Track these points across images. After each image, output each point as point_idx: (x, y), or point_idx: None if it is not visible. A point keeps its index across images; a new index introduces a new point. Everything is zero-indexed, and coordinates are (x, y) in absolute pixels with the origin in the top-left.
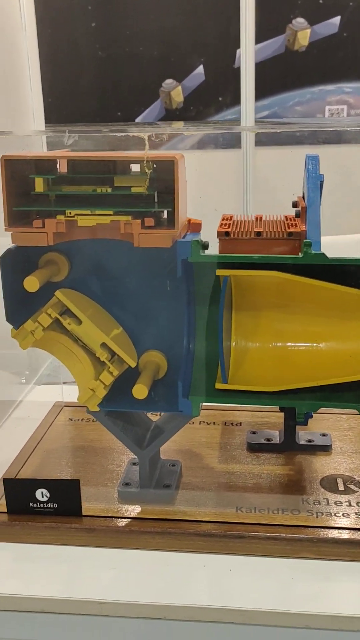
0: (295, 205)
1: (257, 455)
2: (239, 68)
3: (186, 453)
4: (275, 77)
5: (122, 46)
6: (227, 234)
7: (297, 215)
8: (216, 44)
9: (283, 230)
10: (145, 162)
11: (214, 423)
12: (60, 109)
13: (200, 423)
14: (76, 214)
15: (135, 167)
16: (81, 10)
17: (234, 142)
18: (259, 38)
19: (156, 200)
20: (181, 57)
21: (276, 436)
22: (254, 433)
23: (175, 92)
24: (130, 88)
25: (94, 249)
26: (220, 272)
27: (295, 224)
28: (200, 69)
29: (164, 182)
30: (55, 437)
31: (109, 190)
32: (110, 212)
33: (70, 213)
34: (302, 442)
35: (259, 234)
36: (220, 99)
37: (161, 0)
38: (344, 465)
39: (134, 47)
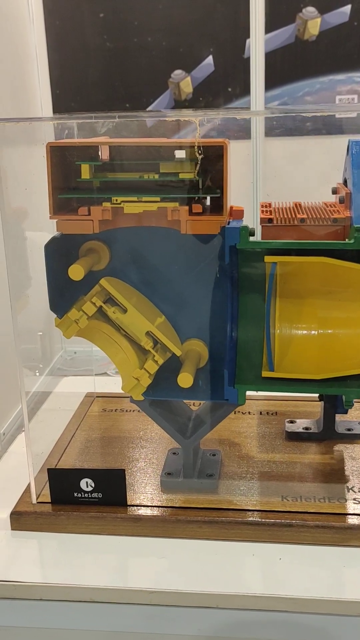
0: (335, 191)
1: (297, 444)
2: (248, 58)
3: (225, 443)
4: (285, 67)
5: (130, 37)
6: (270, 220)
7: (341, 201)
8: (225, 34)
9: (327, 216)
10: (195, 147)
11: (249, 413)
12: (68, 100)
13: (235, 413)
14: (122, 201)
15: (179, 154)
16: (89, 1)
17: (243, 133)
18: (269, 28)
19: (201, 186)
20: (190, 48)
21: (314, 425)
22: (292, 422)
23: (185, 82)
24: (138, 79)
25: (138, 237)
26: (269, 259)
27: (338, 211)
28: (210, 59)
29: (213, 167)
30: (90, 428)
31: (156, 176)
32: (158, 198)
33: (116, 200)
34: (341, 431)
35: (302, 220)
36: (229, 89)
37: None
38: None
39: (143, 38)
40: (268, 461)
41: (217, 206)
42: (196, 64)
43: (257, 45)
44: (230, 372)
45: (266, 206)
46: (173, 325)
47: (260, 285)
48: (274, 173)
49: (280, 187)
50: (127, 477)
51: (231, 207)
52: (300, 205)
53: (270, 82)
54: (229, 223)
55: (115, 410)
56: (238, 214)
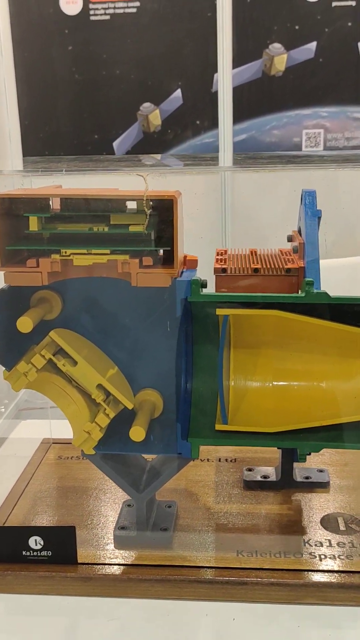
0: (290, 239)
1: (255, 493)
2: (216, 92)
3: (181, 493)
4: (253, 101)
5: (99, 70)
6: (224, 270)
7: (295, 250)
8: (194, 68)
9: (281, 266)
10: (144, 201)
11: (207, 460)
12: (37, 131)
13: (193, 460)
14: (72, 253)
15: (131, 205)
16: (58, 34)
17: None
18: (236, 63)
19: (154, 238)
20: (159, 81)
21: (273, 473)
22: (250, 470)
23: (153, 115)
24: (107, 111)
25: (89, 287)
26: (220, 312)
27: (293, 260)
28: (178, 92)
29: (162, 220)
30: (45, 477)
31: (106, 229)
32: (107, 251)
33: (65, 252)
34: (299, 479)
35: (256, 270)
36: (198, 122)
37: (138, 24)
38: (343, 504)
39: (111, 71)
40: (225, 512)
41: (169, 258)
42: (165, 97)
43: (225, 79)
44: (184, 425)
45: (221, 254)
46: (127, 375)
47: (214, 337)
48: (244, 204)
49: (249, 218)
50: (79, 533)
51: (185, 257)
52: (255, 253)
53: (238, 116)
54: (182, 273)
55: (71, 457)
56: (192, 263)
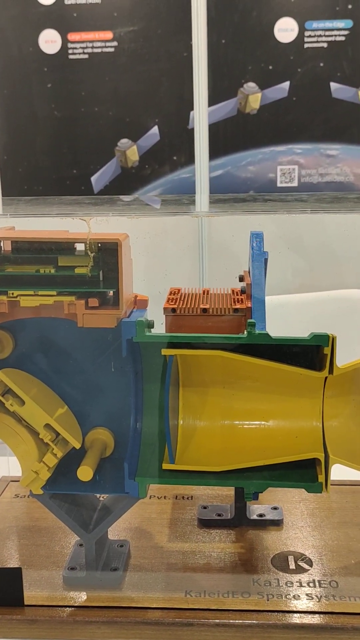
0: (241, 279)
1: (208, 531)
2: (192, 129)
3: (135, 531)
4: (228, 137)
5: (77, 107)
6: (173, 310)
7: (243, 291)
8: (170, 105)
9: (229, 306)
10: (88, 245)
11: (164, 497)
12: (16, 165)
13: (150, 497)
14: (19, 295)
15: (80, 246)
16: (37, 72)
17: (188, 201)
18: (212, 101)
19: (101, 279)
20: (136, 118)
21: (227, 510)
22: (205, 508)
23: (131, 151)
24: (85, 146)
25: (38, 327)
26: (166, 352)
27: (242, 299)
28: (155, 129)
29: (107, 263)
30: (0, 516)
31: (52, 271)
32: (54, 292)
33: (12, 293)
34: (253, 517)
35: (205, 310)
36: (175, 158)
37: (116, 63)
38: (295, 541)
39: (90, 108)
40: (177, 551)
41: (115, 300)
42: (142, 133)
43: (201, 117)
44: (133, 464)
45: (174, 293)
46: (79, 414)
47: (162, 377)
48: (219, 243)
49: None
50: (30, 573)
51: (136, 296)
52: (207, 292)
53: (214, 152)
54: (131, 313)
55: (28, 495)
56: (142, 303)
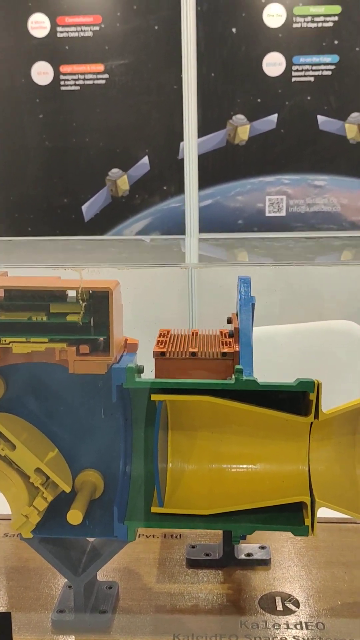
0: (229, 321)
1: (197, 572)
2: (182, 159)
3: (124, 571)
4: (217, 168)
5: (69, 137)
6: (162, 354)
7: (231, 335)
8: (160, 136)
9: (217, 350)
10: (79, 294)
11: (153, 536)
12: (7, 193)
13: (139, 536)
14: (11, 342)
15: (72, 292)
16: (28, 103)
17: (178, 229)
18: (201, 132)
19: (91, 325)
20: (127, 149)
21: (216, 550)
22: (193, 547)
23: (121, 180)
24: (76, 176)
25: (30, 371)
26: (155, 397)
27: (230, 343)
28: (145, 159)
29: (99, 310)
30: None
31: (45, 318)
32: (46, 339)
33: (5, 340)
34: (241, 557)
35: (193, 354)
36: (165, 187)
37: (107, 95)
38: (282, 582)
39: (81, 138)
40: (165, 593)
41: (106, 345)
42: (132, 163)
43: (191, 148)
44: (122, 507)
45: (163, 335)
46: (69, 456)
47: (152, 420)
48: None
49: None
50: (18, 616)
51: (126, 340)
52: (197, 334)
53: (204, 182)
54: (121, 357)
55: (18, 535)
56: (132, 347)
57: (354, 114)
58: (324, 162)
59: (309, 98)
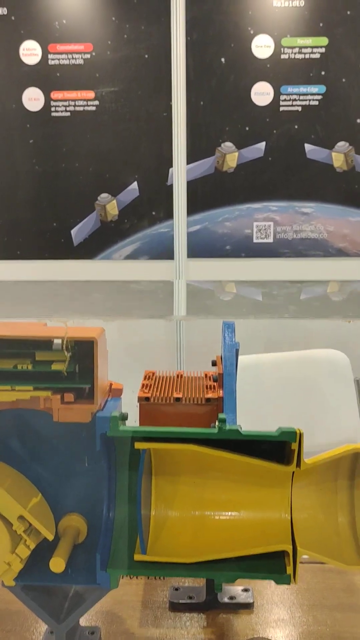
0: (214, 364)
1: (180, 615)
2: (171, 185)
3: (107, 615)
4: (206, 194)
5: (59, 162)
6: (147, 399)
7: (215, 380)
8: (150, 162)
9: (201, 396)
10: (64, 345)
11: (137, 577)
12: None
13: (122, 577)
14: None
15: (55, 343)
16: (19, 128)
17: (166, 254)
18: (190, 159)
19: (77, 372)
20: (116, 174)
21: (199, 592)
22: (176, 590)
23: (111, 205)
24: (66, 200)
25: (15, 417)
26: (139, 446)
27: (214, 387)
28: (135, 185)
29: (84, 359)
30: None
31: (30, 367)
32: (30, 388)
33: None
34: (224, 600)
35: (178, 399)
36: (153, 213)
37: (98, 121)
38: (264, 626)
39: (71, 164)
40: (147, 637)
41: (90, 393)
42: (122, 188)
43: (180, 174)
44: (105, 554)
45: (149, 377)
46: (52, 500)
47: (136, 467)
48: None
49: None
50: None
51: (111, 384)
52: (181, 376)
53: (192, 208)
54: (106, 403)
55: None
56: (117, 392)
57: (341, 143)
58: (311, 189)
59: (296, 127)
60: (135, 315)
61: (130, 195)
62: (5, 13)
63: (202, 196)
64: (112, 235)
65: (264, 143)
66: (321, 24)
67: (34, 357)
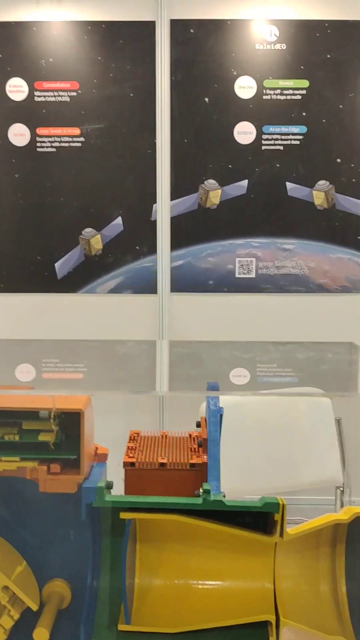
0: (198, 425)
1: None
2: (155, 221)
3: None
4: (189, 230)
5: (43, 196)
6: (132, 464)
7: (200, 445)
8: (134, 198)
9: (186, 461)
10: (52, 417)
11: None
12: None
13: None
14: None
15: (42, 414)
16: (5, 162)
17: (150, 288)
18: (174, 195)
19: (63, 443)
20: (101, 209)
21: None
22: None
23: (95, 239)
24: (50, 234)
25: (2, 486)
26: (124, 516)
27: (198, 452)
28: (119, 220)
29: (70, 430)
30: None
31: (17, 437)
32: (17, 458)
33: None
34: None
35: (163, 465)
36: (137, 247)
37: (83, 157)
38: None
39: (55, 198)
40: None
41: (76, 463)
42: (106, 223)
43: (163, 210)
44: (87, 624)
45: (133, 438)
46: (36, 565)
47: (119, 534)
48: (180, 325)
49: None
50: None
51: (96, 448)
52: (166, 436)
53: (176, 243)
54: (91, 470)
55: None
56: (102, 457)
57: (321, 182)
58: (292, 226)
59: (278, 165)
60: (120, 389)
61: (115, 230)
62: None
63: (186, 232)
64: (96, 269)
65: (246, 181)
66: (302, 67)
67: (21, 425)
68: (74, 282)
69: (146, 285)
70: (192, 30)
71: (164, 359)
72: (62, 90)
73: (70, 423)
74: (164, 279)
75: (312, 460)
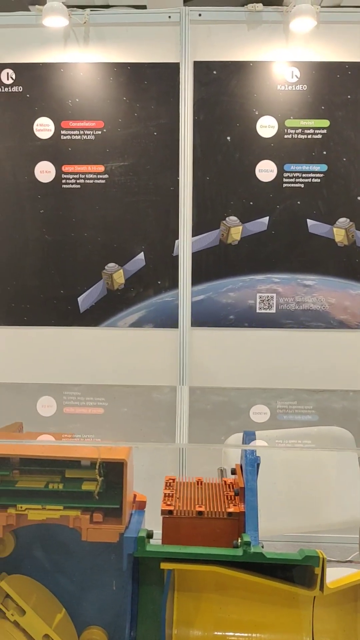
0: (233, 472)
1: None
2: (177, 256)
3: None
4: (210, 265)
5: (67, 232)
6: (170, 512)
7: (237, 493)
8: (156, 234)
9: (223, 510)
10: (98, 468)
11: None
12: (5, 284)
13: None
14: (27, 508)
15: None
16: (31, 199)
17: (171, 322)
18: (196, 231)
19: (106, 493)
20: (123, 244)
21: None
22: None
23: (117, 274)
24: (74, 268)
25: (42, 532)
26: (165, 566)
27: (235, 500)
28: (141, 255)
29: (112, 479)
30: None
31: (61, 486)
32: (61, 507)
33: (21, 507)
34: None
35: (200, 513)
36: (159, 282)
37: (107, 194)
38: None
39: (79, 233)
40: None
41: (118, 512)
42: (129, 258)
43: (185, 245)
44: None
45: (169, 485)
46: (75, 612)
47: (159, 587)
48: (200, 359)
49: (205, 371)
50: None
51: (135, 496)
52: (201, 482)
53: (197, 278)
54: (131, 518)
55: None
56: (141, 504)
57: (342, 219)
58: (312, 263)
59: (299, 203)
60: (144, 440)
61: (137, 265)
62: (21, 91)
63: (207, 267)
64: (118, 303)
65: (267, 217)
66: (323, 107)
67: (64, 474)
68: (96, 316)
69: (167, 319)
70: (215, 72)
71: (184, 408)
72: (88, 129)
73: (112, 472)
74: (184, 314)
75: (335, 500)
